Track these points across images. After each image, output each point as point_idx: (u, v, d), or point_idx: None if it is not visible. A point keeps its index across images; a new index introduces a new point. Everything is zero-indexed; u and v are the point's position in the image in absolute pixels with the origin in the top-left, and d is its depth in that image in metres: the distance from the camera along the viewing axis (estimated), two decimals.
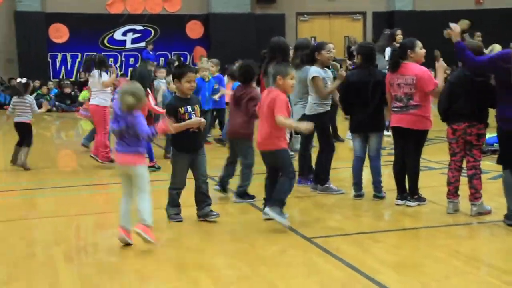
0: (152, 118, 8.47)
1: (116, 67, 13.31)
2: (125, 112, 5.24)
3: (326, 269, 4.73)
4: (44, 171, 9.10)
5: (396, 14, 21.22)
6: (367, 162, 6.88)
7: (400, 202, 6.52)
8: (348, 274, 4.60)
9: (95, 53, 12.45)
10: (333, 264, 4.81)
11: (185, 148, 5.88)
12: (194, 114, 5.82)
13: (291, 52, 7.87)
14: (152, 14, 20.66)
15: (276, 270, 4.73)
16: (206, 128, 9.33)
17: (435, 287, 4.31)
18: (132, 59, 20.50)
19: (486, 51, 7.58)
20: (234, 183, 7.00)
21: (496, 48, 11.56)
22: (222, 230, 5.78)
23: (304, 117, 6.96)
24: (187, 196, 6.11)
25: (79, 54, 19.80)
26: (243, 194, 6.80)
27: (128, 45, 20.69)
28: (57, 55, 20.49)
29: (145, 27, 20.75)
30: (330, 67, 7.72)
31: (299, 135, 7.53)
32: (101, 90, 9.26)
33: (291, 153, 6.76)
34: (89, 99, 9.91)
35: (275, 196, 5.76)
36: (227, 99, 10.37)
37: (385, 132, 6.89)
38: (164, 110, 6.43)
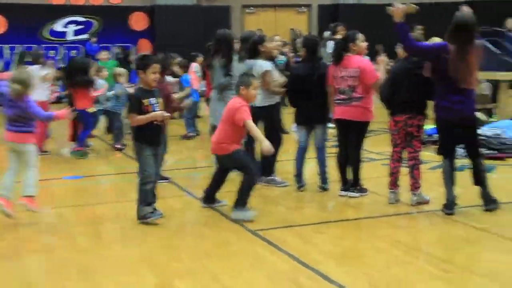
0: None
1: (56, 60, 12.96)
2: (16, 99, 5.67)
3: (270, 261, 4.75)
4: None
5: (341, 7, 21.40)
6: (311, 154, 6.94)
7: (343, 193, 6.61)
8: (293, 266, 4.63)
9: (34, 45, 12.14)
10: (277, 256, 4.83)
11: (148, 140, 5.77)
12: (157, 107, 5.77)
13: (237, 45, 7.84)
14: (94, 5, 20.21)
15: (220, 263, 4.72)
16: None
17: (377, 277, 4.39)
18: (74, 51, 19.97)
19: None
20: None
21: (435, 41, 11.81)
22: (166, 224, 5.73)
23: (253, 109, 6.95)
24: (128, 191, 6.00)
25: (17, 46, 19.13)
26: None
27: (70, 37, 20.15)
28: None
29: (88, 19, 20.27)
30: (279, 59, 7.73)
31: None
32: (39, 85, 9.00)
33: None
34: None
35: (239, 197, 5.80)
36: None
37: (329, 124, 6.96)
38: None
